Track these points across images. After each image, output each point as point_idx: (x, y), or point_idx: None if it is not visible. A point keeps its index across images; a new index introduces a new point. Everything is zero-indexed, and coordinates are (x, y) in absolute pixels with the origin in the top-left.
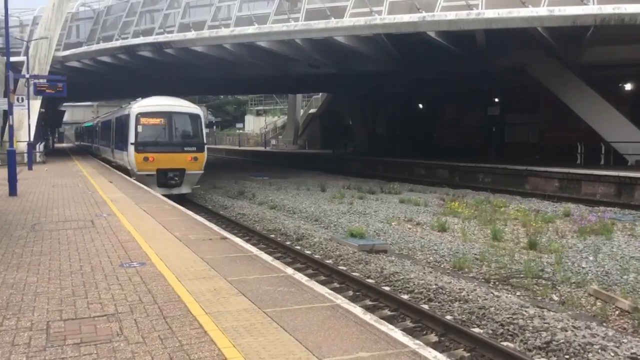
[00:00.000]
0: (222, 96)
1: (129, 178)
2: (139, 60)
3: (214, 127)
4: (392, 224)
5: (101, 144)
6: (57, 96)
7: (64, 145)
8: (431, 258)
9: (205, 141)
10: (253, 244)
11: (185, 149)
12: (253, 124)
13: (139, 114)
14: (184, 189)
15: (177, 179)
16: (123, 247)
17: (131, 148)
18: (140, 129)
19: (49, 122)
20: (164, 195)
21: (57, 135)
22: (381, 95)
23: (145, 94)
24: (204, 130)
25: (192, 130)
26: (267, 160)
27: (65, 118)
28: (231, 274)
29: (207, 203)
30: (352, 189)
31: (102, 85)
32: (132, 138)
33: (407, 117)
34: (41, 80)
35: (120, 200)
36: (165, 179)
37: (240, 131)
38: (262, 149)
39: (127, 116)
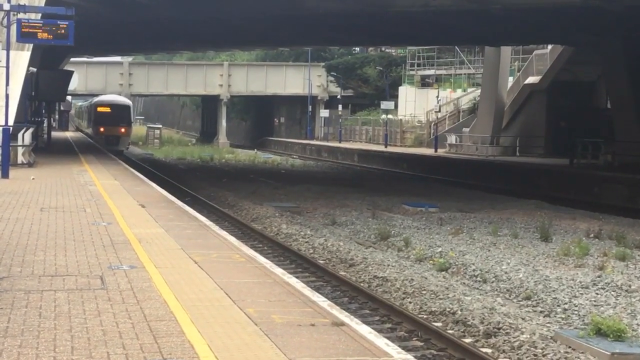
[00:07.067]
0: (356, 49)
1: (176, 201)
2: None
3: (340, 107)
4: None
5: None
6: (58, 44)
7: (69, 134)
8: None
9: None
10: (400, 339)
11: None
12: (414, 103)
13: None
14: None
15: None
16: (151, 331)
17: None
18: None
19: (44, 91)
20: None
21: (56, 116)
22: None
23: (214, 43)
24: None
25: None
26: (435, 174)
27: (74, 85)
28: None
29: (317, 252)
30: (604, 239)
31: (145, 26)
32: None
33: None
34: (31, 16)
35: (155, 239)
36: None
37: (390, 116)
38: (428, 151)
39: (91, 104)
